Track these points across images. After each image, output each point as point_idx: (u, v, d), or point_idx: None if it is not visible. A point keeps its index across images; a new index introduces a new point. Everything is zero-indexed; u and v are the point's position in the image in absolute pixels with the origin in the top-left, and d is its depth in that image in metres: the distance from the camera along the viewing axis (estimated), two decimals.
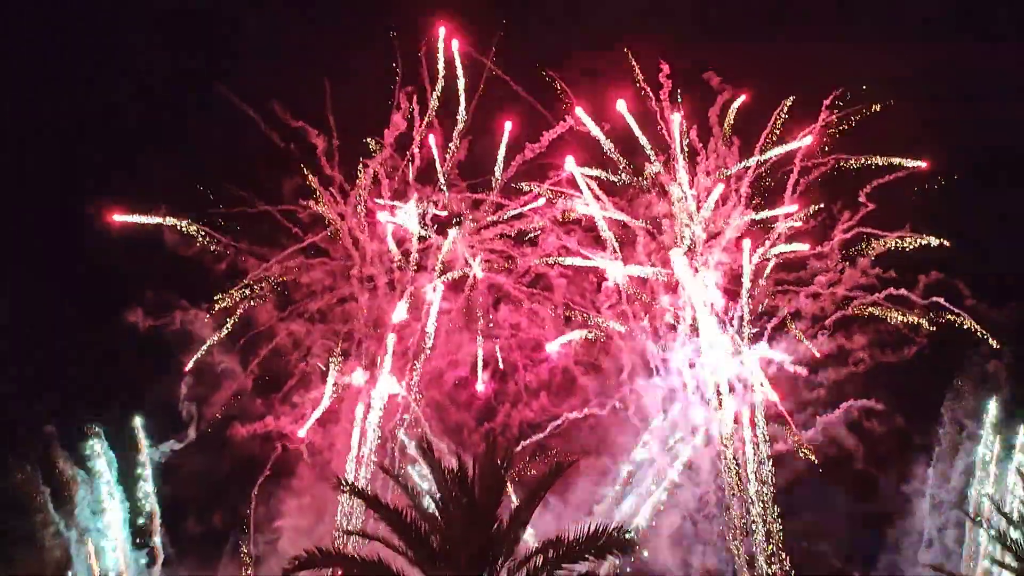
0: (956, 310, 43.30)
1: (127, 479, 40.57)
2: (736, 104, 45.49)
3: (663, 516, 42.44)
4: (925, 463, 43.12)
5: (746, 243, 44.20)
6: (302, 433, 42.48)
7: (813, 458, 43.14)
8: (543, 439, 44.45)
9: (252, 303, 43.84)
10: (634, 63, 45.32)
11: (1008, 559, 21.47)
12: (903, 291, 43.82)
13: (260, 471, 42.11)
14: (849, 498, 43.19)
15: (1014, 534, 21.73)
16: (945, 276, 43.39)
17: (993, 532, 20.99)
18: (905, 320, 43.46)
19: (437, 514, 22.77)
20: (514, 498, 30.28)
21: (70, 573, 37.00)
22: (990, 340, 42.66)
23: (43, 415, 39.25)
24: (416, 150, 45.37)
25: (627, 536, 22.44)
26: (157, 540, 40.91)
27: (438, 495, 22.91)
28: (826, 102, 45.00)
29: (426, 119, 45.40)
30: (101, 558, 38.56)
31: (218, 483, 41.26)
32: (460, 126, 45.41)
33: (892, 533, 43.63)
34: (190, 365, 42.18)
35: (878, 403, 43.39)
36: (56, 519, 38.04)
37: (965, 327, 43.12)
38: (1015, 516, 22.12)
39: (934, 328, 43.55)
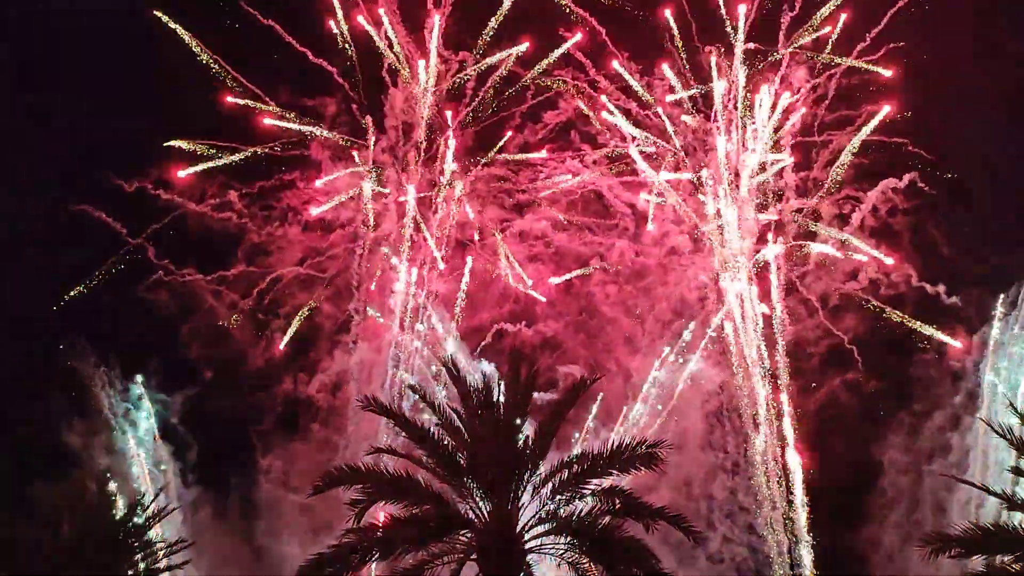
0: (930, 288, 43.40)
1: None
2: None
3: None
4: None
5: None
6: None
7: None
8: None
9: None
10: None
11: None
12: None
13: (270, 416, 43.41)
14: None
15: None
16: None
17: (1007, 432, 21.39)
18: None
19: (463, 430, 23.13)
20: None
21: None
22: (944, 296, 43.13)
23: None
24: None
25: (651, 450, 22.76)
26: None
27: (463, 412, 23.27)
28: None
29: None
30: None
31: (233, 425, 42.69)
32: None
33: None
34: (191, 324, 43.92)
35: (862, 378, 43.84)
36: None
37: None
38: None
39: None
